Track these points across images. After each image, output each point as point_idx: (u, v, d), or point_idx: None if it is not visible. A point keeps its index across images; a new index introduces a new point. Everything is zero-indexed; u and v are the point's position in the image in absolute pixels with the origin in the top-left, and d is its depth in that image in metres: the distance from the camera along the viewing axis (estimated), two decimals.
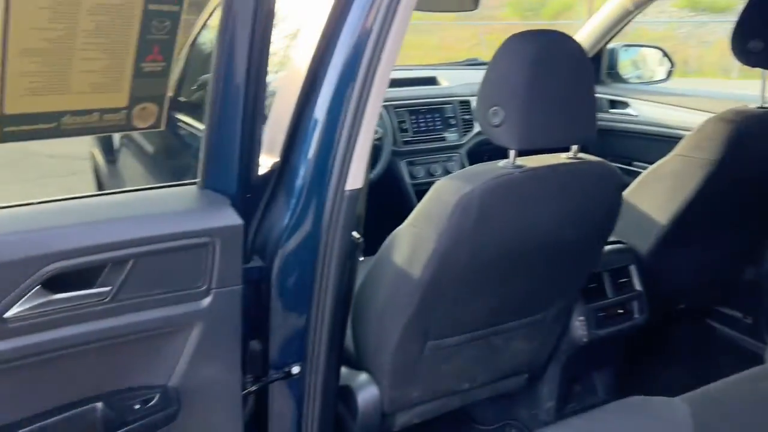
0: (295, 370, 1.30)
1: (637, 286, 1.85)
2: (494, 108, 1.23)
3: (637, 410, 1.37)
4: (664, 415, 1.35)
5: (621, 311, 1.82)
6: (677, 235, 1.85)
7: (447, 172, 2.43)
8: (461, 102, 2.53)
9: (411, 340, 1.45)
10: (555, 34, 1.27)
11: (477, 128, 2.52)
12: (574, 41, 1.28)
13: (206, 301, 1.07)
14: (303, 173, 1.23)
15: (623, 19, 2.50)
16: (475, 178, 1.25)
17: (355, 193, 1.24)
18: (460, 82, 2.58)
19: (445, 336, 1.49)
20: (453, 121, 2.50)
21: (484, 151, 2.53)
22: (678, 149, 1.78)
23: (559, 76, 1.24)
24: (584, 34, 2.67)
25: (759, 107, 1.76)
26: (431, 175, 2.39)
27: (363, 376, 1.53)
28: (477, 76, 2.76)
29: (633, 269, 1.85)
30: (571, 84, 1.27)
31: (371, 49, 1.15)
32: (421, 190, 2.33)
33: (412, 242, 1.34)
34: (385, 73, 1.18)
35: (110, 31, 0.87)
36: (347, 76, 1.17)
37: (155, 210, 1.03)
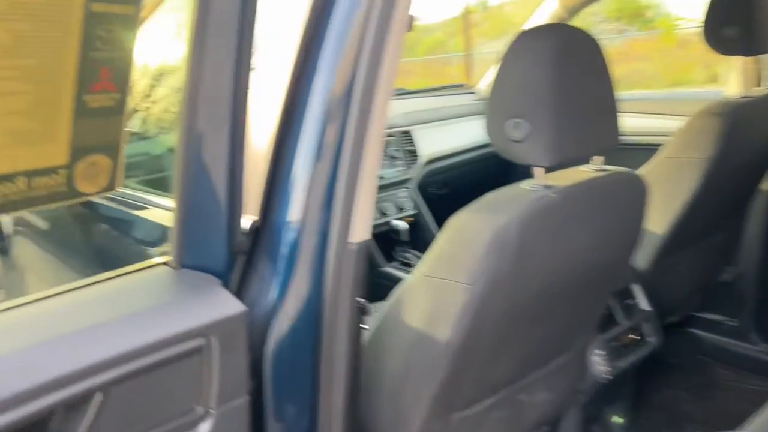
0: None
1: (644, 305, 1.68)
2: (515, 120, 1.02)
3: None
4: None
5: (634, 337, 1.64)
6: (675, 243, 1.70)
7: (400, 209, 2.19)
8: (402, 133, 2.32)
9: (436, 416, 1.18)
10: (570, 27, 1.07)
11: (423, 159, 2.31)
12: (589, 34, 1.09)
13: (204, 428, 0.75)
14: (291, 231, 0.95)
15: None
16: (506, 206, 1.02)
17: (362, 246, 0.98)
18: (397, 112, 2.37)
19: (473, 403, 1.23)
20: (397, 154, 2.27)
21: (433, 183, 2.34)
22: (666, 152, 1.65)
23: (583, 78, 1.05)
24: None
25: (742, 97, 1.67)
26: (384, 214, 2.14)
27: None
28: (415, 104, 2.58)
29: (637, 288, 1.69)
30: (595, 86, 1.08)
31: (365, 70, 0.90)
32: (379, 233, 2.08)
33: (433, 296, 1.08)
34: (386, 92, 0.94)
35: (38, 47, 0.56)
36: (336, 106, 0.92)
37: (117, 313, 0.71)
